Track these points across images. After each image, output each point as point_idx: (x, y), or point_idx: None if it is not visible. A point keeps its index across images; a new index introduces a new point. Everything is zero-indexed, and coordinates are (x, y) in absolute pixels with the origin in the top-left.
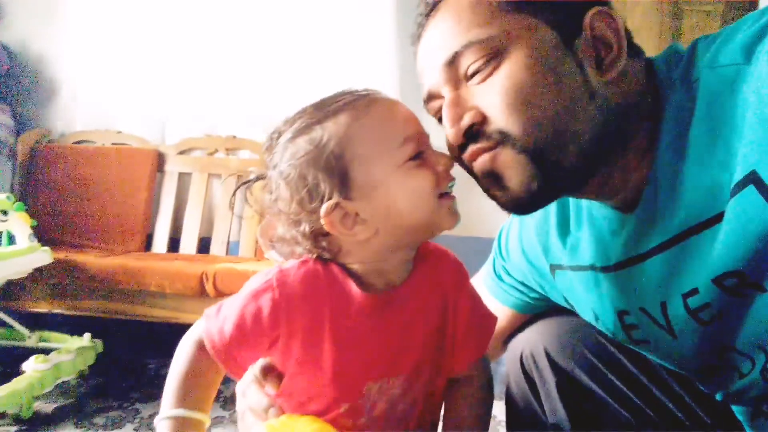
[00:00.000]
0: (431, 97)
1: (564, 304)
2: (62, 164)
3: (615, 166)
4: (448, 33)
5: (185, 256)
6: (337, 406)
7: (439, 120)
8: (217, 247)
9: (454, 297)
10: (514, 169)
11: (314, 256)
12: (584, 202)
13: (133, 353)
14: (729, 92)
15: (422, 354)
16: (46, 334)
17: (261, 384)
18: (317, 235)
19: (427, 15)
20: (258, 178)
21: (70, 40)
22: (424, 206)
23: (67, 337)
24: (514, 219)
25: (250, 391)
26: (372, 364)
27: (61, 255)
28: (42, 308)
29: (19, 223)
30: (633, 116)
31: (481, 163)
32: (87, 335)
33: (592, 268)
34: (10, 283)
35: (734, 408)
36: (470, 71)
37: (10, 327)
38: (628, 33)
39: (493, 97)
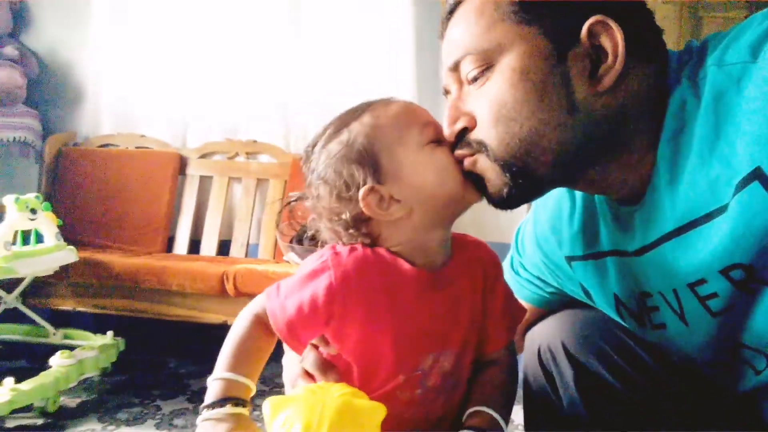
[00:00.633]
0: (446, 92)
1: (581, 295)
2: (87, 167)
3: (613, 165)
4: (455, 40)
5: (206, 257)
6: (395, 378)
7: None
8: (236, 250)
9: (492, 281)
10: (490, 175)
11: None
12: (595, 196)
13: (155, 351)
14: (735, 90)
15: (468, 331)
16: (70, 331)
17: (310, 377)
18: (358, 222)
19: (447, 18)
20: (299, 198)
21: (96, 47)
22: (450, 180)
23: (90, 334)
24: (530, 216)
25: (299, 382)
26: (428, 337)
27: (86, 254)
28: (67, 306)
29: (47, 223)
30: (632, 119)
31: (465, 164)
32: (110, 333)
33: (612, 253)
34: (36, 281)
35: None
36: (469, 77)
37: (36, 324)
38: (649, 33)
39: (482, 107)
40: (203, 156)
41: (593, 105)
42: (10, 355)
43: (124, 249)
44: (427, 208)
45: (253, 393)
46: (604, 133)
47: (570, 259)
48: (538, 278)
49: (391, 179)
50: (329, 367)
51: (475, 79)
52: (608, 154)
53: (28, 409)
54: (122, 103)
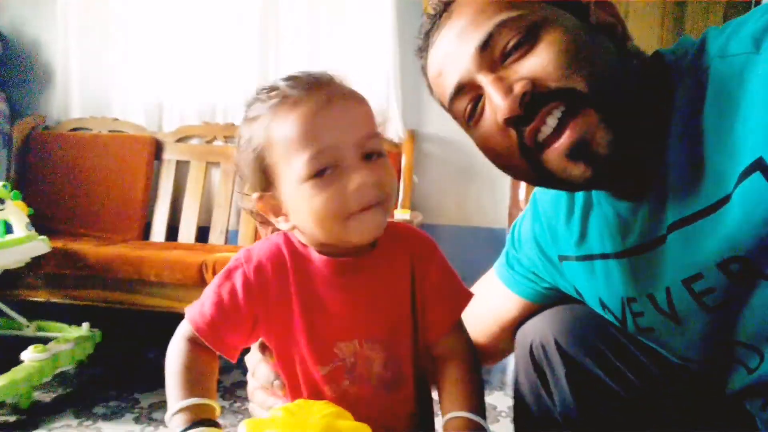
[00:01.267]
0: (460, 89)
1: (574, 293)
2: (58, 152)
3: (631, 148)
4: (472, 23)
5: (184, 245)
6: (317, 370)
7: (469, 118)
8: (215, 236)
9: (425, 264)
10: (600, 131)
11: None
12: (593, 193)
13: (133, 343)
14: (738, 81)
15: (396, 321)
16: (44, 323)
17: (267, 361)
18: (261, 216)
19: (439, 16)
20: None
21: (64, 25)
22: (323, 227)
23: (65, 326)
24: (528, 211)
25: (258, 368)
26: (339, 325)
27: (59, 244)
28: (40, 297)
29: (16, 212)
30: (645, 96)
31: (572, 136)
32: (86, 325)
33: (602, 256)
34: (7, 273)
35: (748, 405)
36: (508, 48)
37: (8, 316)
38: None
39: (545, 63)
40: (180, 140)
41: (632, 61)
42: None
43: (98, 237)
44: (307, 234)
45: (218, 412)
46: (648, 93)
47: (562, 258)
48: (533, 273)
49: (279, 194)
50: (276, 377)
51: (512, 50)
52: (640, 127)
53: (0, 406)
54: (94, 84)
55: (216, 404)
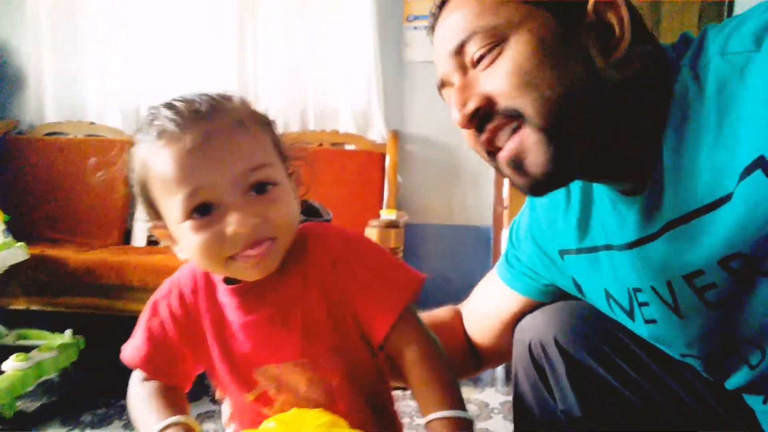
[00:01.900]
0: (444, 84)
1: (572, 289)
2: (33, 157)
3: (624, 148)
4: (456, 23)
5: (166, 249)
6: (243, 396)
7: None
8: None
9: (347, 270)
10: (535, 151)
11: None
12: (594, 185)
13: (118, 349)
14: (738, 79)
15: (309, 339)
16: (25, 332)
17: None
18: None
19: (440, 6)
20: None
21: (35, 27)
22: (208, 267)
23: (47, 334)
24: (525, 208)
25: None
26: (252, 352)
27: (37, 251)
28: (19, 305)
29: None
30: (640, 98)
31: (508, 151)
32: (68, 331)
33: (605, 248)
34: None
35: (747, 397)
36: (476, 58)
37: None
38: (638, 18)
39: (499, 81)
40: None
41: (611, 75)
42: None
43: (78, 243)
44: (203, 269)
45: (198, 429)
46: (620, 106)
47: (563, 252)
48: (532, 270)
49: (168, 226)
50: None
51: (481, 59)
52: (625, 131)
53: None
54: (68, 88)
55: (194, 421)
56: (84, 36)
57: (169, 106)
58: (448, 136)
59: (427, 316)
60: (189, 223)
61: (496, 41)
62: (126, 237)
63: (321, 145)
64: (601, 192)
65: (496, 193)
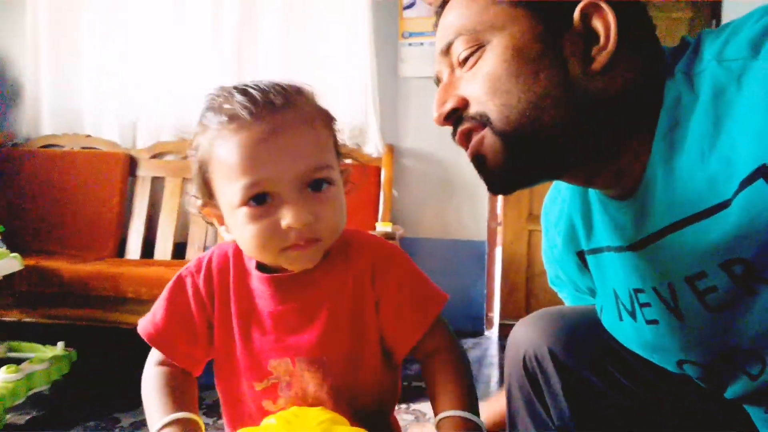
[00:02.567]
0: (439, 80)
1: (590, 295)
2: (29, 169)
3: (610, 156)
4: (449, 23)
5: (161, 262)
6: (253, 386)
7: None
8: (193, 252)
9: (383, 279)
10: (492, 153)
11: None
12: (589, 190)
13: (110, 361)
14: (735, 86)
15: (328, 338)
16: (16, 344)
17: None
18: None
19: (441, 7)
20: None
21: (34, 40)
22: (253, 254)
23: (39, 346)
24: (545, 229)
25: None
26: (272, 342)
27: (32, 262)
28: (12, 317)
29: None
30: (627, 106)
31: (471, 147)
32: (61, 344)
33: (607, 249)
34: None
35: (748, 409)
36: (461, 58)
37: None
38: (637, 23)
39: (474, 85)
40: (154, 156)
41: (589, 86)
42: None
43: (72, 255)
44: (246, 252)
45: (203, 427)
46: (601, 117)
47: (581, 253)
48: (574, 282)
49: (219, 206)
50: None
51: (465, 61)
52: (606, 142)
53: None
54: (65, 101)
55: (200, 419)
56: (81, 49)
57: (244, 92)
58: (444, 150)
59: None
60: (245, 210)
61: (479, 44)
62: (121, 249)
63: None
64: (594, 195)
65: (490, 207)
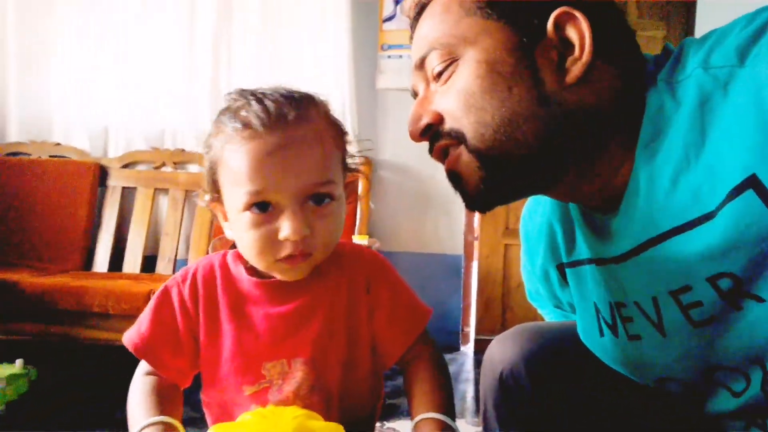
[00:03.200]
0: (415, 93)
1: (571, 311)
2: None
3: (590, 169)
4: (422, 35)
5: (129, 275)
6: (241, 390)
7: None
8: (163, 266)
9: (376, 287)
10: (468, 171)
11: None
12: (570, 204)
13: (73, 379)
14: (721, 94)
15: (322, 341)
16: None
17: None
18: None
19: (415, 19)
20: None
21: (1, 45)
22: (255, 259)
23: None
24: (524, 243)
25: None
26: (266, 345)
27: None
28: None
29: None
30: (606, 117)
31: (447, 163)
32: (19, 361)
33: (588, 261)
34: None
35: (729, 425)
36: (435, 72)
37: None
38: (620, 33)
39: (448, 100)
40: (126, 166)
41: (565, 98)
42: None
43: (35, 268)
44: (246, 257)
45: (182, 429)
46: (579, 130)
47: (560, 266)
48: (555, 297)
49: (225, 205)
50: None
51: (439, 75)
52: (585, 155)
53: None
54: (33, 107)
55: (181, 426)
56: (51, 53)
57: (260, 100)
58: (421, 163)
59: None
60: (247, 215)
61: (453, 58)
62: (88, 262)
63: None
64: (575, 209)
65: (467, 221)
